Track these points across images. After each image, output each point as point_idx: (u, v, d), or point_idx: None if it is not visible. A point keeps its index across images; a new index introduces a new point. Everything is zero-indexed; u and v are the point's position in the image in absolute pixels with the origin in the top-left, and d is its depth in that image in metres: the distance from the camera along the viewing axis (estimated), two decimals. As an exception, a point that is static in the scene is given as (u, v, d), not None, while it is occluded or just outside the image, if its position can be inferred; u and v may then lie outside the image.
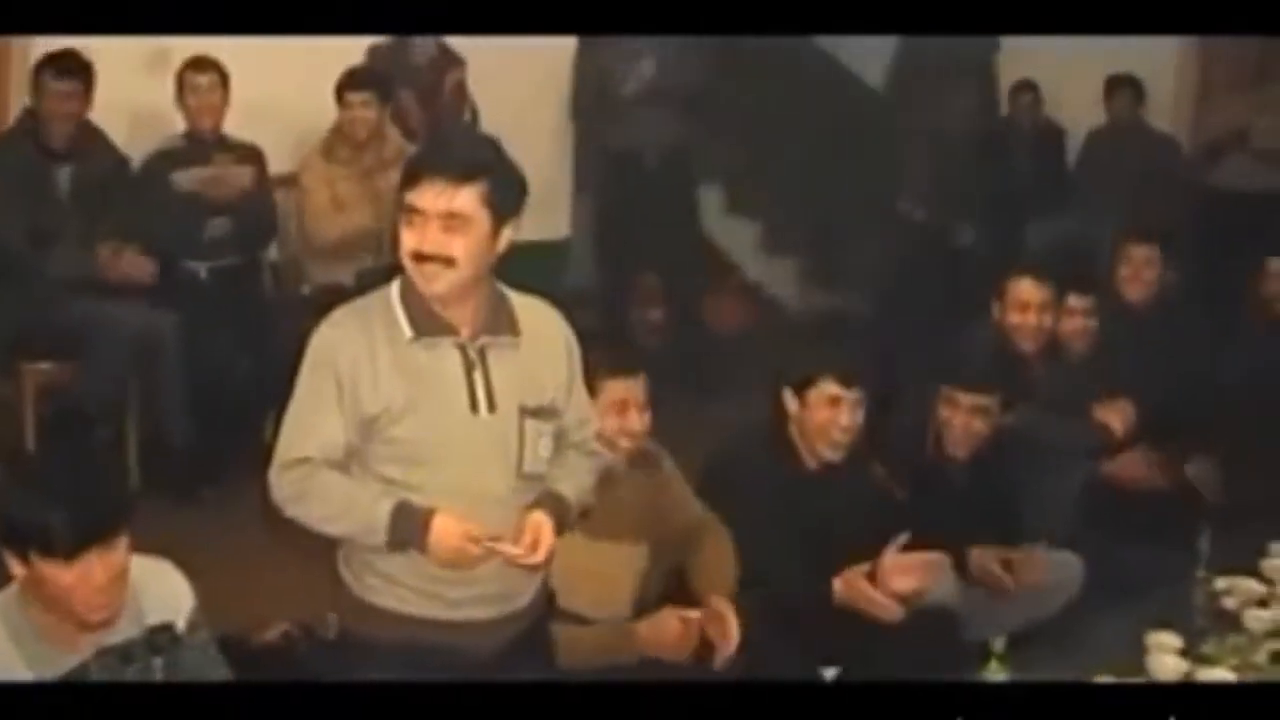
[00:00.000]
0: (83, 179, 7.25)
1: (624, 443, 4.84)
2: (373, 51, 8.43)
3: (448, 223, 3.88)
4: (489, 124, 8.45)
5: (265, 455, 7.32)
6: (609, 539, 4.88)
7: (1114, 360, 6.86)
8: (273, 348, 7.39)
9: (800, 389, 5.41)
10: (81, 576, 3.66)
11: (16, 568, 3.70)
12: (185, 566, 4.06)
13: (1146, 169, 10.38)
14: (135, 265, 7.25)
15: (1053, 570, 5.92)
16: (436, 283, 3.93)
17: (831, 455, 5.41)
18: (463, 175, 3.89)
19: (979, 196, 10.95)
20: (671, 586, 5.03)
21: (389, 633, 4.02)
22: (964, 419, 5.83)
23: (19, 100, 7.50)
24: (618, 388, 4.81)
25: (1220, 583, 5.51)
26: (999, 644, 4.64)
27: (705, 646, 4.83)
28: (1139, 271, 7.30)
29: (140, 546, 3.87)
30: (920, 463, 5.86)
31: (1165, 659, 5.07)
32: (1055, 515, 6.11)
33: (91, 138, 7.34)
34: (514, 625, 4.12)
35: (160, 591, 3.92)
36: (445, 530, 3.89)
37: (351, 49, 8.21)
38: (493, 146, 4.04)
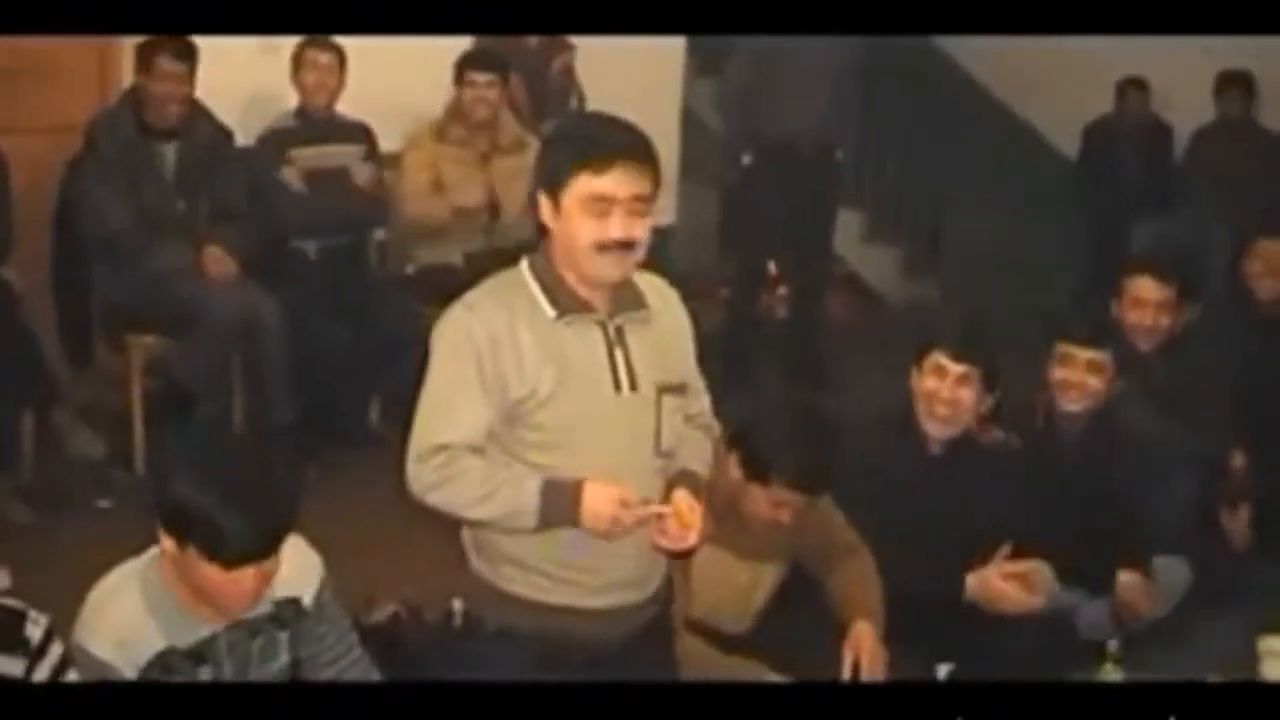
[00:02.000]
0: (188, 157, 7.26)
1: (776, 515, 4.83)
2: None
3: (634, 207, 3.83)
4: (595, 108, 8.42)
5: (370, 433, 7.52)
6: (745, 555, 4.89)
7: (1222, 356, 6.77)
8: (379, 327, 7.45)
9: (920, 361, 5.38)
10: (234, 580, 3.70)
11: (169, 545, 3.71)
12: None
13: (1256, 168, 10.27)
14: (218, 263, 7.20)
15: (1161, 575, 5.82)
16: (620, 268, 3.89)
17: (934, 430, 5.35)
18: (645, 159, 3.86)
19: (1085, 193, 10.92)
20: (801, 601, 5.00)
21: (521, 620, 3.98)
22: (1080, 376, 5.75)
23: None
24: (784, 495, 4.79)
25: (1331, 585, 5.45)
26: (1114, 645, 4.61)
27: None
28: (1263, 266, 7.16)
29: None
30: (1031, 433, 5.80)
31: (1278, 664, 5.01)
32: (1168, 516, 6.02)
33: (195, 114, 7.33)
34: (643, 612, 4.10)
35: (290, 566, 3.89)
36: (597, 499, 3.83)
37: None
38: (642, 131, 3.98)
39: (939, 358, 5.32)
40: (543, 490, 3.84)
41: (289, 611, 3.95)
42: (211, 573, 3.67)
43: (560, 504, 3.84)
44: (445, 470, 3.86)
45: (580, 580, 3.98)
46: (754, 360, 8.69)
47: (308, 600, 3.98)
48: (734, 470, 4.77)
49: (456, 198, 7.87)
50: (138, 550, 3.87)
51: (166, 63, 7.11)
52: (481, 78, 7.88)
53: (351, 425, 7.60)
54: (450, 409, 3.89)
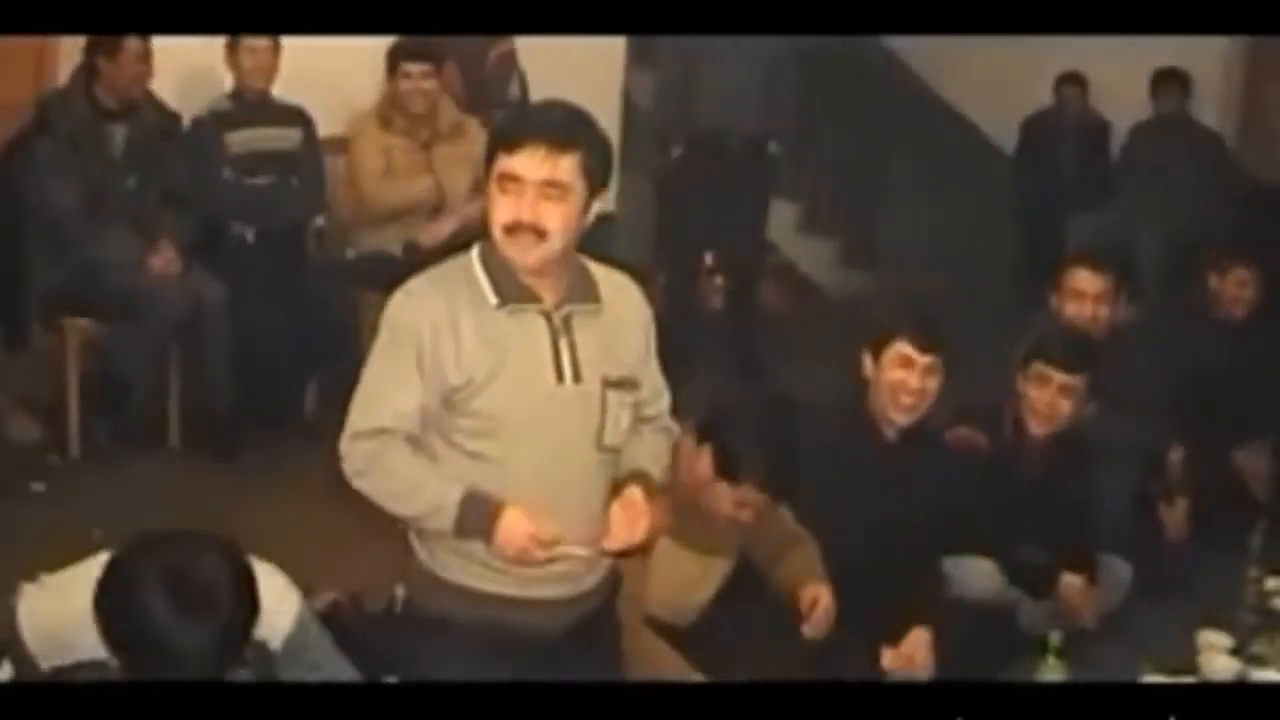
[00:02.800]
0: (137, 138, 7.20)
1: (737, 514, 4.80)
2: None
3: (546, 191, 3.78)
4: (537, 94, 8.39)
5: (306, 420, 7.47)
6: (697, 548, 4.86)
7: (1160, 352, 6.80)
8: (316, 312, 7.41)
9: (876, 351, 5.37)
10: None
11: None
12: (222, 529, 3.79)
13: (1191, 164, 10.33)
14: (165, 261, 7.13)
15: (1104, 574, 5.83)
16: (529, 255, 3.82)
17: (899, 418, 5.34)
18: (564, 142, 3.78)
19: (1023, 187, 10.96)
20: (745, 595, 4.99)
21: (459, 608, 3.95)
22: (1051, 397, 5.75)
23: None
24: (750, 495, 4.76)
25: (1271, 582, 5.45)
26: (1056, 637, 4.61)
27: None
28: (1239, 290, 7.25)
29: (180, 507, 3.80)
30: (998, 439, 5.81)
31: (1217, 658, 5.04)
32: (1112, 511, 6.04)
33: (144, 96, 7.26)
34: (583, 604, 4.06)
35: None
36: (513, 528, 3.80)
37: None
38: (587, 116, 3.93)
39: (904, 348, 5.31)
40: (463, 501, 3.82)
41: (253, 654, 3.59)
42: None
43: (477, 519, 3.82)
44: (374, 459, 3.85)
45: (519, 570, 3.92)
46: (691, 349, 8.67)
47: (277, 644, 3.72)
48: (702, 465, 4.74)
49: (407, 184, 7.85)
50: (72, 534, 3.79)
51: (131, 42, 7.03)
52: (415, 68, 7.79)
53: (288, 410, 7.56)
54: (385, 393, 3.87)
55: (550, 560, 3.88)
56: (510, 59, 8.60)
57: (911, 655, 5.04)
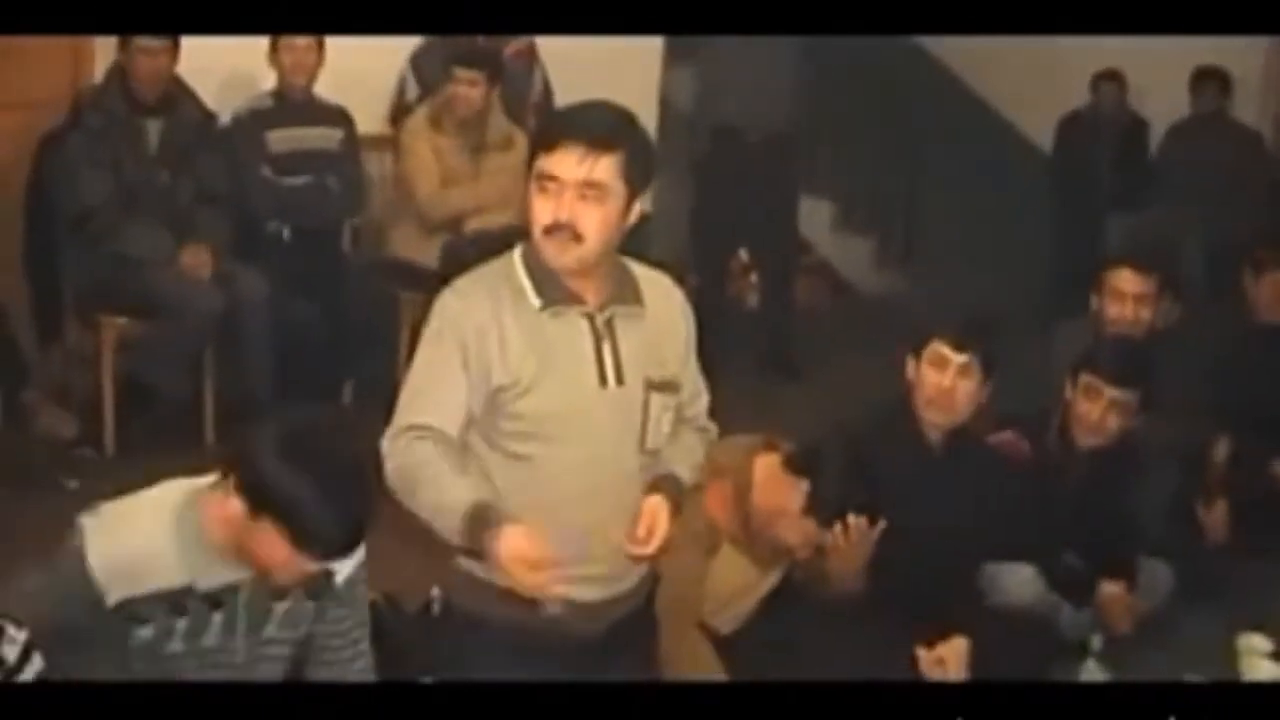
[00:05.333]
0: (171, 134, 7.19)
1: (802, 551, 4.82)
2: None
3: (584, 192, 3.74)
4: (573, 95, 8.34)
5: (342, 415, 7.45)
6: (752, 559, 4.84)
7: (1200, 354, 6.76)
8: (352, 309, 7.42)
9: (918, 352, 5.33)
10: (299, 563, 3.53)
11: (236, 506, 3.48)
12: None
13: (1231, 163, 10.26)
14: (197, 261, 7.13)
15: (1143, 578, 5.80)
16: (566, 256, 3.78)
17: (935, 419, 5.31)
18: (603, 143, 3.74)
19: (1059, 186, 10.91)
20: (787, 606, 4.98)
21: (498, 610, 3.90)
22: (1101, 412, 5.68)
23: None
24: (824, 537, 4.77)
25: (1314, 585, 5.44)
26: (1097, 642, 4.59)
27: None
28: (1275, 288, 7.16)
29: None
30: (1043, 446, 5.76)
31: (1258, 662, 5.01)
32: (1152, 515, 5.99)
33: (180, 93, 7.27)
34: (620, 607, 4.04)
35: None
36: (511, 549, 3.65)
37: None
38: (629, 116, 3.88)
39: (940, 348, 5.27)
40: (468, 513, 3.71)
41: (320, 584, 3.75)
42: (280, 550, 3.49)
43: (477, 535, 3.70)
44: (403, 454, 3.80)
45: (558, 571, 3.83)
46: (726, 347, 8.65)
47: (340, 579, 3.81)
48: (794, 499, 4.72)
49: (460, 194, 7.82)
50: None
51: (143, 39, 7.02)
52: (464, 74, 7.76)
53: (324, 407, 7.54)
54: (429, 394, 3.84)
55: (549, 586, 3.76)
56: (529, 54, 8.52)
57: (944, 659, 5.02)
